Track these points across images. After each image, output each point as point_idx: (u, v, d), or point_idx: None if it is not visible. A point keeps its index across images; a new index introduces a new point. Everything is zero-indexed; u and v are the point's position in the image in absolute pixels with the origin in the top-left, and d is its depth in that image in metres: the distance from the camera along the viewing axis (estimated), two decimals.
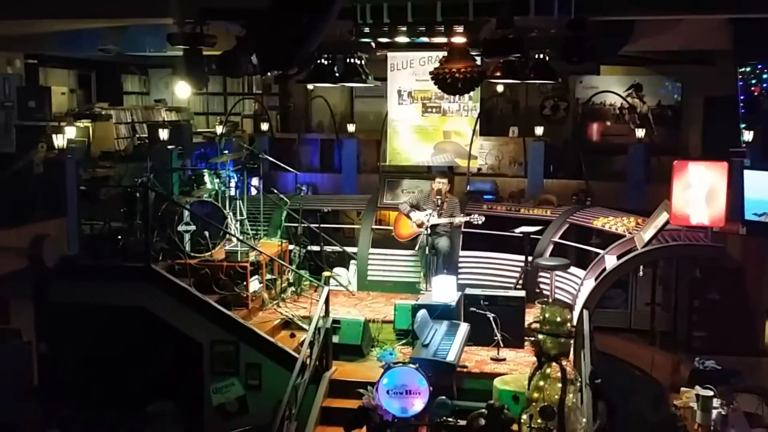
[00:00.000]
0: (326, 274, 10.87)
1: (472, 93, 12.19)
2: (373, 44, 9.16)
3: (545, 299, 10.34)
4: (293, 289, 10.78)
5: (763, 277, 12.98)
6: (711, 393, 8.25)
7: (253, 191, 12.12)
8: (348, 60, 9.49)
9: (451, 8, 7.33)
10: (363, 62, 9.74)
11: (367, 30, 7.92)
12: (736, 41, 11.66)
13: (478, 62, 8.28)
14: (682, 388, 9.03)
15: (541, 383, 7.07)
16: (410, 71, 12.39)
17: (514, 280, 10.73)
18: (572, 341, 7.35)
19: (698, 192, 8.41)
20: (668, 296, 12.91)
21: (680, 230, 9.31)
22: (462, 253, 11.10)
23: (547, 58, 9.34)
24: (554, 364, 7.12)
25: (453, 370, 7.54)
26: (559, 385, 7.05)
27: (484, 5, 7.27)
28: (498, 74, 9.00)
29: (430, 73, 8.34)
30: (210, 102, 17.27)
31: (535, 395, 7.09)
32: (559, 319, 7.10)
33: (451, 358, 7.55)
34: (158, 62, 16.74)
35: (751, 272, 12.54)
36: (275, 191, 11.39)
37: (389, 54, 12.18)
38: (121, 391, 9.35)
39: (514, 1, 7.25)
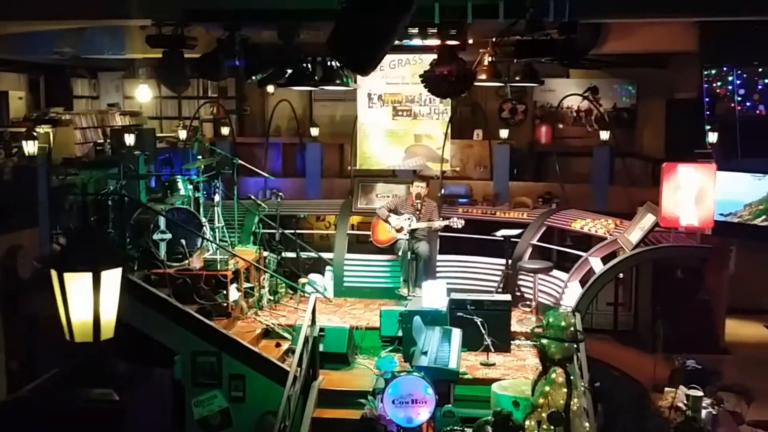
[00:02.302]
0: (303, 280, 10.71)
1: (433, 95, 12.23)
2: None
3: (528, 302, 10.40)
4: (270, 297, 10.53)
5: (724, 276, 13.31)
6: (700, 393, 8.34)
7: (216, 197, 11.83)
8: (328, 63, 9.30)
9: (449, 11, 7.23)
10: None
11: None
12: (701, 44, 11.90)
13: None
14: (666, 388, 9.10)
15: (547, 389, 7.00)
16: (380, 74, 12.26)
17: (492, 284, 10.71)
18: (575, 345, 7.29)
19: (687, 194, 8.49)
20: (628, 296, 13.14)
21: (662, 232, 9.41)
22: (439, 257, 11.03)
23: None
24: (558, 368, 7.06)
25: (456, 378, 7.44)
26: (564, 390, 6.99)
27: (483, 8, 7.20)
28: (483, 77, 8.93)
29: (420, 75, 8.21)
30: (164, 106, 16.84)
31: (541, 401, 7.01)
32: (563, 323, 7.03)
33: (453, 365, 7.44)
34: (108, 65, 16.30)
35: (711, 271, 12.84)
36: (252, 197, 11.13)
37: None
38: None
39: (511, 4, 7.20)
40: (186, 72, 8.39)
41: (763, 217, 11.48)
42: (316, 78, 9.26)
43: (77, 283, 3.20)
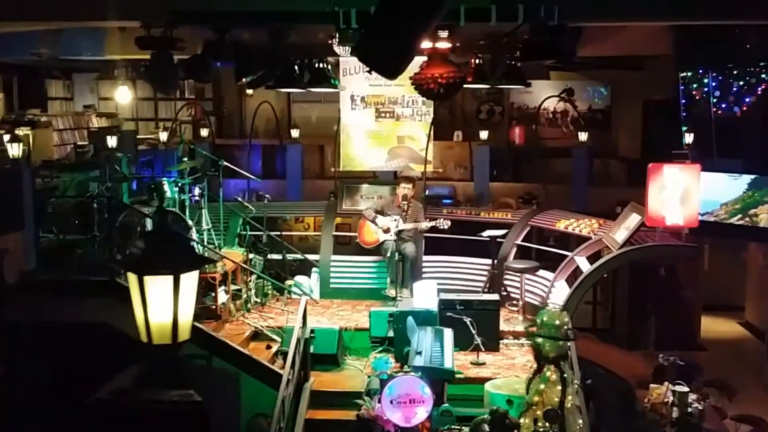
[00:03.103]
0: (289, 282, 10.71)
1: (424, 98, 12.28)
2: (343, 50, 9.00)
3: (514, 302, 10.49)
4: (256, 299, 10.50)
5: (699, 274, 13.56)
6: (686, 389, 8.47)
7: (203, 199, 11.75)
8: (317, 65, 9.32)
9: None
10: (330, 67, 9.59)
11: (350, 34, 7.76)
12: (677, 47, 12.13)
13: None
14: (651, 385, 9.22)
15: (542, 387, 7.09)
16: (363, 76, 12.26)
17: (478, 284, 10.78)
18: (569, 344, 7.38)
19: (673, 193, 8.63)
20: (605, 295, 13.31)
21: (645, 231, 9.54)
22: (425, 258, 11.08)
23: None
24: (552, 366, 7.16)
25: (452, 377, 7.50)
26: (558, 387, 7.08)
27: (475, 11, 7.26)
28: (470, 79, 8.99)
29: (411, 78, 8.25)
30: (140, 107, 16.72)
31: (536, 399, 7.10)
32: (557, 322, 7.13)
33: (448, 364, 7.50)
34: (82, 67, 16.16)
35: (687, 270, 13.07)
36: (239, 199, 11.08)
37: (341, 59, 12.04)
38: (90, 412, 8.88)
39: (503, 8, 7.27)
40: (175, 73, 8.34)
41: (739, 215, 11.74)
42: (304, 80, 9.26)
43: (157, 285, 3.20)
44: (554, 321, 7.18)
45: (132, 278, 3.26)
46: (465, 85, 8.78)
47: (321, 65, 9.39)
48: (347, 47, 9.03)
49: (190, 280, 3.28)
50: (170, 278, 3.24)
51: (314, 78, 9.42)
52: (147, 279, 3.20)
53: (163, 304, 3.28)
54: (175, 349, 3.35)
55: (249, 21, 8.16)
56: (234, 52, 8.30)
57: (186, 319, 3.33)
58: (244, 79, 8.32)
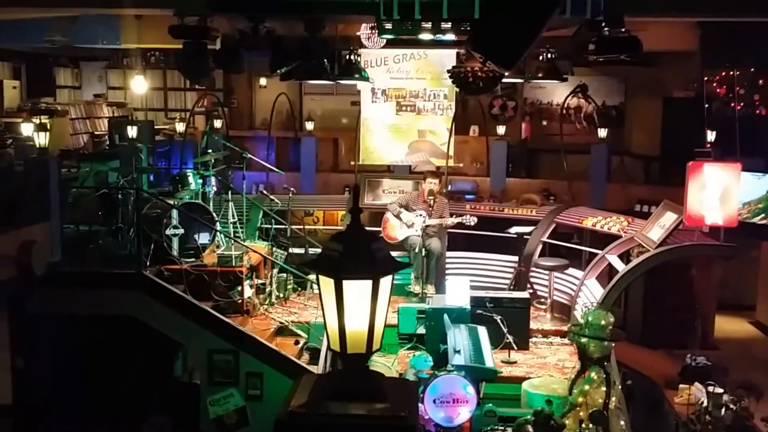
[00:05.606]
0: (311, 277, 10.55)
1: (446, 91, 12.17)
2: (371, 42, 8.88)
3: (542, 300, 10.39)
4: (278, 293, 10.35)
5: (712, 273, 13.46)
6: (721, 390, 8.40)
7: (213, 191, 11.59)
8: (347, 57, 9.17)
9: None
10: (360, 58, 9.44)
11: (390, 26, 7.62)
12: (702, 43, 12.03)
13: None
14: (681, 385, 9.14)
15: (587, 387, 7.01)
16: (384, 69, 12.12)
17: (502, 280, 10.66)
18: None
19: (713, 192, 8.52)
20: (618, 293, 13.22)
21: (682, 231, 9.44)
22: (448, 254, 10.94)
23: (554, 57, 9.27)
24: (597, 367, 7.08)
25: (494, 376, 7.38)
26: (603, 389, 7.00)
27: None
28: (507, 73, 8.84)
29: (449, 71, 8.12)
30: (149, 97, 16.47)
31: (580, 400, 7.03)
32: (603, 322, 7.07)
33: (490, 363, 7.38)
34: (91, 55, 15.94)
35: (700, 269, 12.98)
36: (264, 192, 10.90)
37: (363, 51, 11.87)
38: (112, 406, 8.75)
39: None
40: (208, 63, 8.19)
41: (762, 215, 11.66)
42: (335, 72, 9.12)
43: (356, 291, 3.01)
44: (600, 321, 7.11)
45: (326, 282, 3.04)
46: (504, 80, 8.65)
47: (351, 57, 9.24)
48: (381, 39, 8.93)
49: (386, 284, 3.09)
50: (369, 283, 3.03)
51: (344, 70, 9.27)
52: (345, 283, 3.00)
53: (360, 310, 3.07)
54: (368, 359, 3.14)
55: (287, 11, 8.00)
56: (269, 42, 8.16)
57: (380, 326, 3.15)
58: (278, 71, 8.16)
